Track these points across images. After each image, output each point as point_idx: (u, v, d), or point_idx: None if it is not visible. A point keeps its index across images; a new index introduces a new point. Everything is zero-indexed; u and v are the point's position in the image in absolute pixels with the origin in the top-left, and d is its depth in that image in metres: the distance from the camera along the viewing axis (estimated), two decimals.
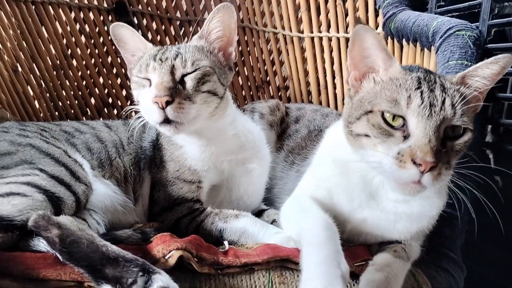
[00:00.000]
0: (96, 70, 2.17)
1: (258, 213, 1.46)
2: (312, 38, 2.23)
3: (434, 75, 1.02)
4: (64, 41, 2.05)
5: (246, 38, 2.42)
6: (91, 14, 2.12)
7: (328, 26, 2.17)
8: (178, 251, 0.90)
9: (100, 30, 2.15)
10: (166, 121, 1.17)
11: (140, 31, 2.17)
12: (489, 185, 1.12)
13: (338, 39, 2.14)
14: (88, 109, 2.16)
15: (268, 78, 2.46)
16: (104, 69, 2.19)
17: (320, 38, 2.21)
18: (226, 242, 1.08)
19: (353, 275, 0.99)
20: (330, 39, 2.17)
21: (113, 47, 2.15)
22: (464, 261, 1.28)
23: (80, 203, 1.06)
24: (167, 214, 1.29)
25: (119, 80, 2.25)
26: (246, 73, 2.46)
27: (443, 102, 0.95)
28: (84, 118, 2.12)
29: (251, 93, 2.48)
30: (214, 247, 1.01)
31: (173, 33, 2.34)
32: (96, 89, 2.18)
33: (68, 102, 2.08)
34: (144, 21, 2.27)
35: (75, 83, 2.10)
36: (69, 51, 2.07)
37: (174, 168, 1.32)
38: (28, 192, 0.94)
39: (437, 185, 0.95)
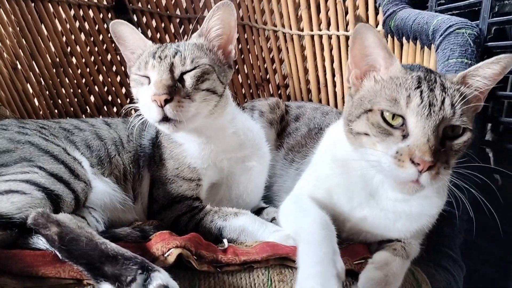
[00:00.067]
0: (96, 68, 2.17)
1: (258, 211, 1.46)
2: (312, 36, 2.23)
3: (435, 75, 1.02)
4: (64, 38, 2.05)
5: (246, 36, 2.42)
6: (90, 12, 2.12)
7: (328, 24, 2.16)
8: (177, 249, 0.90)
9: (99, 27, 2.15)
10: (165, 119, 1.16)
11: (139, 29, 2.17)
12: (489, 184, 1.12)
13: (338, 37, 2.13)
14: (87, 107, 2.16)
15: (268, 76, 2.46)
16: (104, 67, 2.19)
17: (320, 36, 2.20)
18: (225, 240, 1.08)
19: (353, 273, 0.99)
20: (330, 37, 2.17)
21: (113, 45, 2.14)
22: (463, 260, 1.28)
23: (79, 201, 1.06)
24: (167, 212, 1.29)
25: (118, 78, 2.25)
26: (246, 71, 2.45)
27: (443, 102, 0.95)
28: (83, 116, 2.13)
29: (250, 91, 2.48)
30: (213, 245, 1.01)
31: (172, 31, 2.34)
32: (96, 87, 2.18)
33: (68, 100, 2.08)
34: (144, 19, 2.27)
35: (75, 81, 2.10)
36: (69, 49, 2.07)
37: (174, 166, 1.32)
38: (27, 190, 0.94)
39: (435, 185, 0.95)
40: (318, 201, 1.15)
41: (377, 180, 1.10)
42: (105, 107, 2.22)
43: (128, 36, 1.36)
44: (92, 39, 2.14)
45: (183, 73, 1.22)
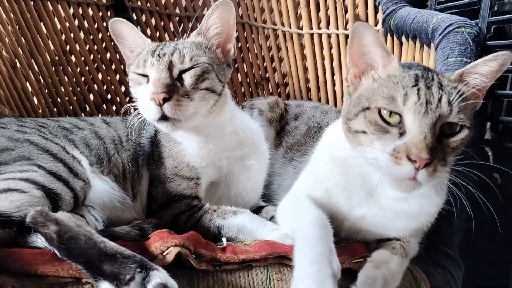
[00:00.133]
0: (95, 66, 2.17)
1: (257, 210, 1.46)
2: (312, 35, 2.23)
3: (432, 73, 1.02)
4: (63, 37, 2.06)
5: (245, 35, 2.42)
6: (90, 10, 2.12)
7: (328, 23, 2.16)
8: (176, 248, 0.90)
9: (99, 26, 2.15)
10: (164, 118, 1.16)
11: (139, 27, 2.17)
12: (488, 182, 1.12)
13: (337, 35, 2.13)
14: (87, 105, 2.16)
15: (267, 75, 2.46)
16: (103, 65, 2.19)
17: (320, 35, 2.20)
18: (224, 239, 1.08)
19: (351, 272, 0.99)
20: (329, 36, 2.17)
21: (112, 43, 2.15)
22: (462, 259, 1.28)
23: (78, 200, 1.06)
24: (165, 211, 1.29)
25: (118, 76, 2.25)
26: (245, 70, 2.45)
27: (440, 100, 0.95)
28: (83, 114, 2.13)
29: (250, 89, 2.48)
30: (212, 243, 1.01)
31: (172, 29, 2.34)
32: (95, 85, 2.18)
33: (67, 98, 2.08)
34: (143, 17, 2.27)
35: (74, 79, 2.10)
36: (68, 47, 2.07)
37: (173, 164, 1.32)
38: (26, 188, 0.94)
39: (433, 182, 0.95)
40: (316, 200, 1.15)
41: (376, 178, 1.10)
42: (104, 105, 2.22)
43: (127, 34, 1.36)
44: (91, 37, 2.14)
45: (182, 72, 1.21)
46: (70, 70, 2.07)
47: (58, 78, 2.03)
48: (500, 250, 1.55)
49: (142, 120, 1.27)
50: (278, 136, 1.80)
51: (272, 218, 1.33)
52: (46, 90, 2.01)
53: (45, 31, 1.98)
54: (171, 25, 2.34)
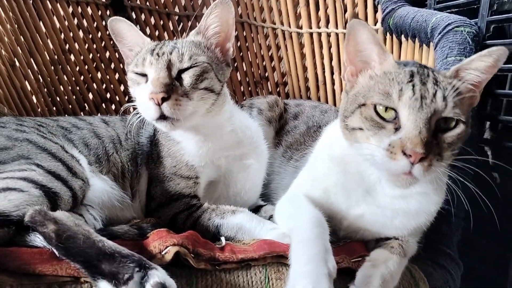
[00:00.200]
0: (94, 65, 2.16)
1: (256, 209, 1.46)
2: (311, 34, 2.23)
3: (428, 69, 1.03)
4: (62, 35, 2.05)
5: (244, 34, 2.42)
6: (89, 9, 2.12)
7: (327, 22, 2.16)
8: (175, 247, 0.90)
9: (98, 24, 2.15)
10: (162, 117, 1.16)
11: (138, 26, 2.16)
12: (487, 182, 1.13)
13: (337, 34, 2.13)
14: (86, 104, 2.15)
15: (266, 74, 2.46)
16: (102, 64, 2.19)
17: (319, 34, 2.20)
18: (223, 238, 1.08)
19: (350, 271, 0.99)
20: (329, 35, 2.17)
21: (111, 42, 2.14)
22: (461, 258, 1.28)
23: (76, 199, 1.06)
24: (164, 210, 1.29)
25: (117, 75, 2.24)
26: (245, 69, 2.45)
27: (435, 95, 0.96)
28: (82, 113, 2.12)
29: (249, 88, 2.48)
30: (210, 242, 1.01)
31: (171, 28, 2.33)
32: (94, 84, 2.18)
33: (66, 97, 2.07)
34: (142, 16, 2.26)
35: (73, 78, 2.09)
36: (67, 46, 2.07)
37: (171, 163, 1.32)
38: (25, 188, 0.94)
39: (429, 177, 0.96)
40: (314, 200, 1.15)
41: (374, 177, 1.10)
42: (103, 104, 2.21)
43: (126, 33, 1.35)
44: (90, 36, 2.13)
45: (181, 71, 1.21)
46: (69, 69, 2.07)
47: (57, 77, 2.03)
48: (498, 249, 1.55)
49: (141, 120, 1.27)
50: (278, 135, 1.80)
51: (271, 217, 1.33)
52: (45, 89, 2.00)
53: (44, 30, 1.98)
54: (170, 24, 2.34)
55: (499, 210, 1.13)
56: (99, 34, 2.16)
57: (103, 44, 2.18)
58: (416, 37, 1.71)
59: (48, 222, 0.86)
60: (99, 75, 2.19)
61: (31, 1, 1.93)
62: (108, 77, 2.21)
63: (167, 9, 2.32)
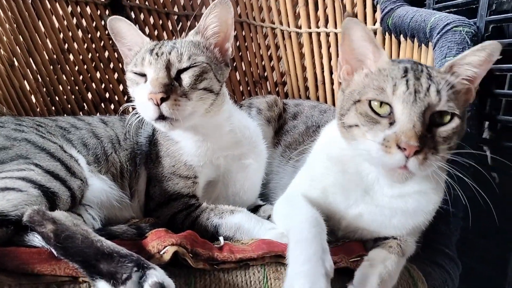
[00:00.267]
0: (93, 65, 2.16)
1: (255, 209, 1.46)
2: (310, 34, 2.23)
3: (422, 66, 1.04)
4: (61, 35, 2.05)
5: (243, 33, 2.42)
6: (88, 8, 2.11)
7: (326, 22, 2.16)
8: (173, 247, 0.90)
9: (97, 24, 2.14)
10: (161, 117, 1.16)
11: (137, 25, 2.16)
12: (486, 182, 1.13)
13: (336, 34, 2.13)
14: (85, 104, 2.15)
15: (265, 74, 2.46)
16: (101, 64, 2.19)
17: (318, 34, 2.20)
18: (221, 238, 1.08)
19: (348, 271, 0.99)
20: (328, 35, 2.17)
21: (110, 42, 2.14)
22: (459, 258, 1.28)
23: (75, 198, 1.06)
24: (163, 210, 1.29)
25: (116, 75, 2.24)
26: (244, 69, 2.45)
27: (428, 89, 0.97)
28: (81, 113, 2.12)
29: (248, 88, 2.48)
30: (209, 242, 1.01)
31: (170, 28, 2.33)
32: (93, 84, 2.17)
33: (65, 96, 2.07)
34: (142, 16, 2.26)
35: (72, 78, 2.09)
36: (66, 46, 2.07)
37: (170, 163, 1.32)
38: (23, 187, 0.94)
39: (424, 172, 0.96)
40: (312, 200, 1.15)
41: (372, 176, 1.11)
42: (102, 104, 2.21)
43: (125, 33, 1.35)
44: (89, 36, 2.13)
45: (180, 71, 1.21)
46: (68, 68, 2.07)
47: (56, 76, 2.03)
48: (497, 249, 1.55)
49: (140, 120, 1.27)
50: (277, 135, 1.80)
51: (269, 217, 1.33)
52: (44, 89, 2.00)
53: (43, 29, 1.97)
54: (169, 23, 2.33)
55: (498, 210, 1.13)
56: (98, 33, 2.16)
57: (102, 44, 2.17)
58: (415, 37, 1.71)
59: (47, 222, 0.86)
60: (98, 74, 2.19)
61: (30, 1, 1.92)
62: (107, 76, 2.21)
63: (166, 9, 2.31)
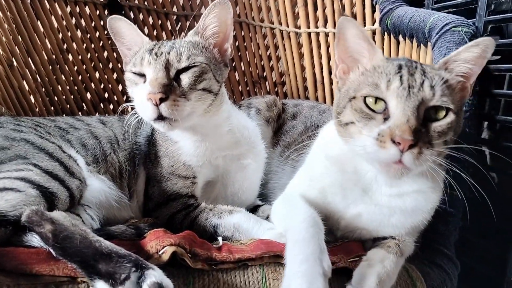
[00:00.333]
0: (92, 65, 2.16)
1: (254, 209, 1.46)
2: (309, 34, 2.23)
3: (416, 63, 1.05)
4: (60, 35, 2.04)
5: (243, 33, 2.41)
6: (87, 9, 2.11)
7: (325, 22, 2.16)
8: (172, 247, 0.90)
9: (96, 24, 2.14)
10: (160, 117, 1.16)
11: (136, 25, 2.15)
12: (485, 182, 1.13)
13: (335, 34, 2.12)
14: (84, 104, 2.15)
15: (264, 74, 2.46)
16: (100, 64, 2.18)
17: (317, 34, 2.20)
18: (220, 238, 1.08)
19: (347, 271, 0.99)
20: (327, 35, 2.17)
21: (109, 42, 2.14)
22: (458, 258, 1.29)
23: (74, 199, 1.06)
24: (162, 210, 1.29)
25: (115, 75, 2.24)
26: (243, 69, 2.45)
27: (422, 84, 0.98)
28: (80, 113, 2.12)
29: (247, 88, 2.47)
30: (208, 242, 1.01)
31: (169, 28, 2.33)
32: (92, 84, 2.17)
33: (64, 97, 2.07)
34: (141, 16, 2.26)
35: (71, 78, 2.09)
36: (65, 46, 2.06)
37: (169, 163, 1.32)
38: (22, 187, 0.94)
39: (420, 166, 0.96)
40: (311, 200, 1.15)
41: (371, 175, 1.11)
42: (101, 104, 2.21)
43: (125, 32, 1.35)
44: (88, 36, 2.13)
45: (179, 72, 1.21)
46: (67, 68, 2.06)
47: (55, 76, 2.02)
48: (497, 249, 1.55)
49: (139, 120, 1.27)
50: (276, 135, 1.80)
51: (268, 217, 1.33)
52: (43, 89, 2.00)
53: (42, 29, 1.97)
54: (168, 23, 2.33)
55: (498, 210, 1.13)
56: (97, 33, 2.16)
57: (101, 44, 2.17)
58: (414, 37, 1.71)
59: (45, 222, 0.86)
60: (97, 74, 2.19)
61: (29, 1, 1.92)
62: (106, 76, 2.21)
63: (165, 9, 2.31)
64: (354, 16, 2.05)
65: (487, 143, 1.63)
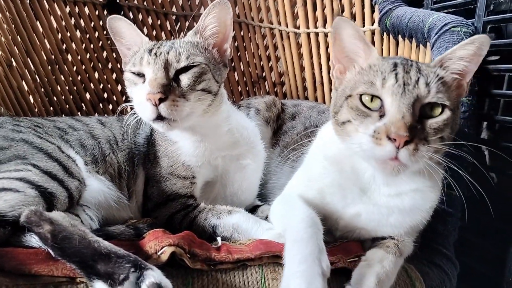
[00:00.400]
0: (91, 65, 2.16)
1: (253, 209, 1.46)
2: (308, 34, 2.23)
3: (412, 61, 1.06)
4: (59, 35, 2.04)
5: (242, 34, 2.41)
6: (86, 9, 2.11)
7: (324, 22, 2.16)
8: (171, 247, 0.90)
9: (95, 24, 2.14)
10: (159, 118, 1.16)
11: (135, 26, 2.15)
12: (484, 182, 1.13)
13: None
14: (83, 104, 2.15)
15: (264, 74, 2.46)
16: (99, 64, 2.18)
17: (316, 34, 2.20)
18: (219, 238, 1.08)
19: (346, 271, 0.99)
20: (326, 35, 2.17)
21: (109, 42, 2.14)
22: (457, 257, 1.29)
23: (73, 199, 1.06)
24: (161, 210, 1.29)
25: (114, 75, 2.24)
26: (242, 69, 2.45)
27: (417, 81, 0.99)
28: (79, 113, 2.12)
29: (247, 88, 2.47)
30: (207, 243, 1.01)
31: (169, 28, 2.33)
32: (91, 84, 2.17)
33: (63, 97, 2.07)
34: (140, 16, 2.26)
35: (70, 78, 2.09)
36: (64, 46, 2.06)
37: (168, 163, 1.32)
38: (21, 188, 0.94)
39: (416, 163, 0.96)
40: (310, 201, 1.16)
41: (369, 174, 1.12)
42: (100, 104, 2.21)
43: (125, 32, 1.35)
44: (87, 36, 2.13)
45: (178, 72, 1.21)
46: (66, 69, 2.06)
47: (54, 77, 2.02)
48: (496, 249, 1.55)
49: (138, 120, 1.27)
50: (275, 136, 1.80)
51: (267, 217, 1.33)
52: (42, 89, 2.00)
53: (41, 29, 1.97)
54: (167, 24, 2.33)
55: (497, 210, 1.13)
56: (96, 34, 2.16)
57: (100, 44, 2.17)
58: (413, 37, 1.72)
59: (44, 222, 0.86)
60: (96, 75, 2.18)
61: (28, 1, 1.92)
62: (105, 76, 2.21)
63: (164, 9, 2.31)
64: (353, 16, 2.05)
65: (486, 143, 1.63)
